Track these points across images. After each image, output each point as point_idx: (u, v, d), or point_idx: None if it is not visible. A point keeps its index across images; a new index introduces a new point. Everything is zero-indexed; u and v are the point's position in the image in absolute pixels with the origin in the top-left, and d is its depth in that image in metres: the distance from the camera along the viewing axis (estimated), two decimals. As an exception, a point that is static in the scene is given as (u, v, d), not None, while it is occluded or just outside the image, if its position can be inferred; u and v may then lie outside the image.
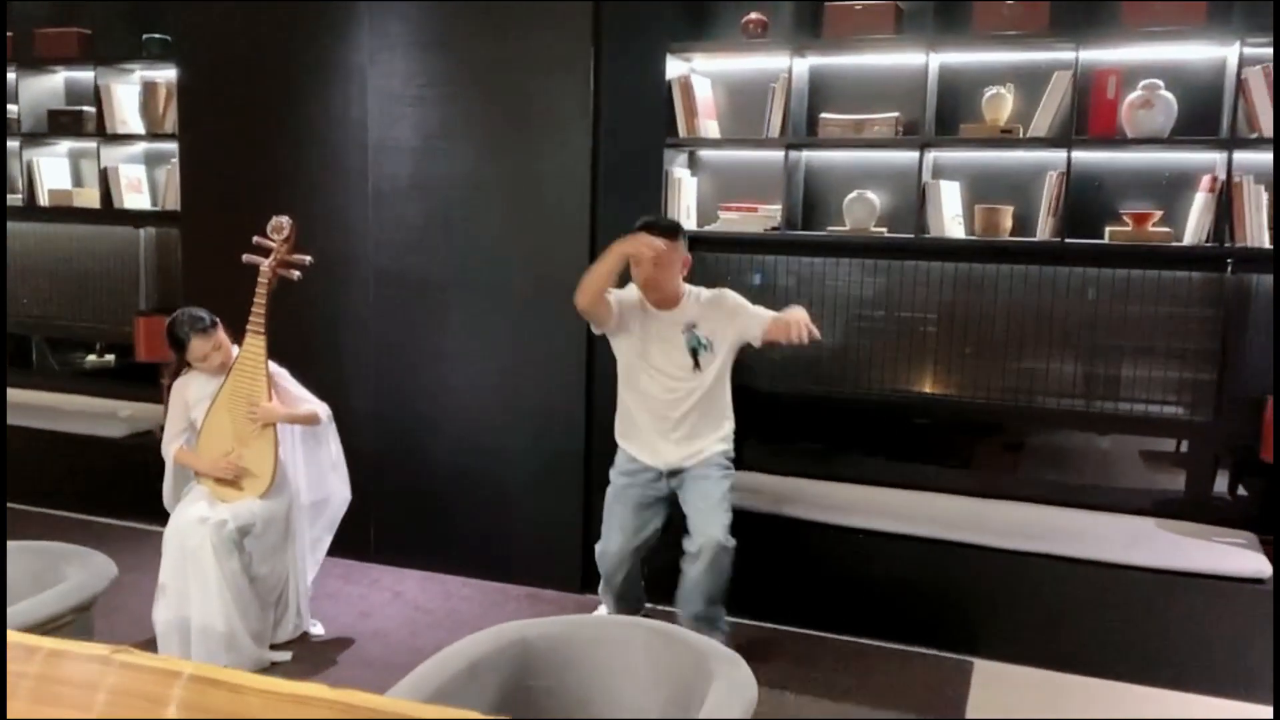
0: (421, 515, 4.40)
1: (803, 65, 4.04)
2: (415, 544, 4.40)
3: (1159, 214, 3.69)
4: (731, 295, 3.52)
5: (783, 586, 3.90)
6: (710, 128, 4.16)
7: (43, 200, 5.31)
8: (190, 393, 3.58)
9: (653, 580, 3.72)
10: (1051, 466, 4.16)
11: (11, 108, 5.23)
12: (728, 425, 3.56)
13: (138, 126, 5.11)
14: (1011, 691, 3.46)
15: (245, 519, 3.40)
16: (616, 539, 3.50)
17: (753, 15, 4.01)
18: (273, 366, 3.53)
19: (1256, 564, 3.45)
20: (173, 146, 5.03)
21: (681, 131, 4.11)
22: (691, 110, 4.09)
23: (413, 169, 4.25)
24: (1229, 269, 3.65)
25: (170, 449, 3.60)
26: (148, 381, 5.45)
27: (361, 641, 3.74)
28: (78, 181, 5.51)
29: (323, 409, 3.60)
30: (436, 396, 4.33)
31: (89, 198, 5.23)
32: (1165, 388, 3.81)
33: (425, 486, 4.38)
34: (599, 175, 4.02)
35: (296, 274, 3.54)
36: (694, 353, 3.45)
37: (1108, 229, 3.76)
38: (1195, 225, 3.56)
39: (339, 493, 3.73)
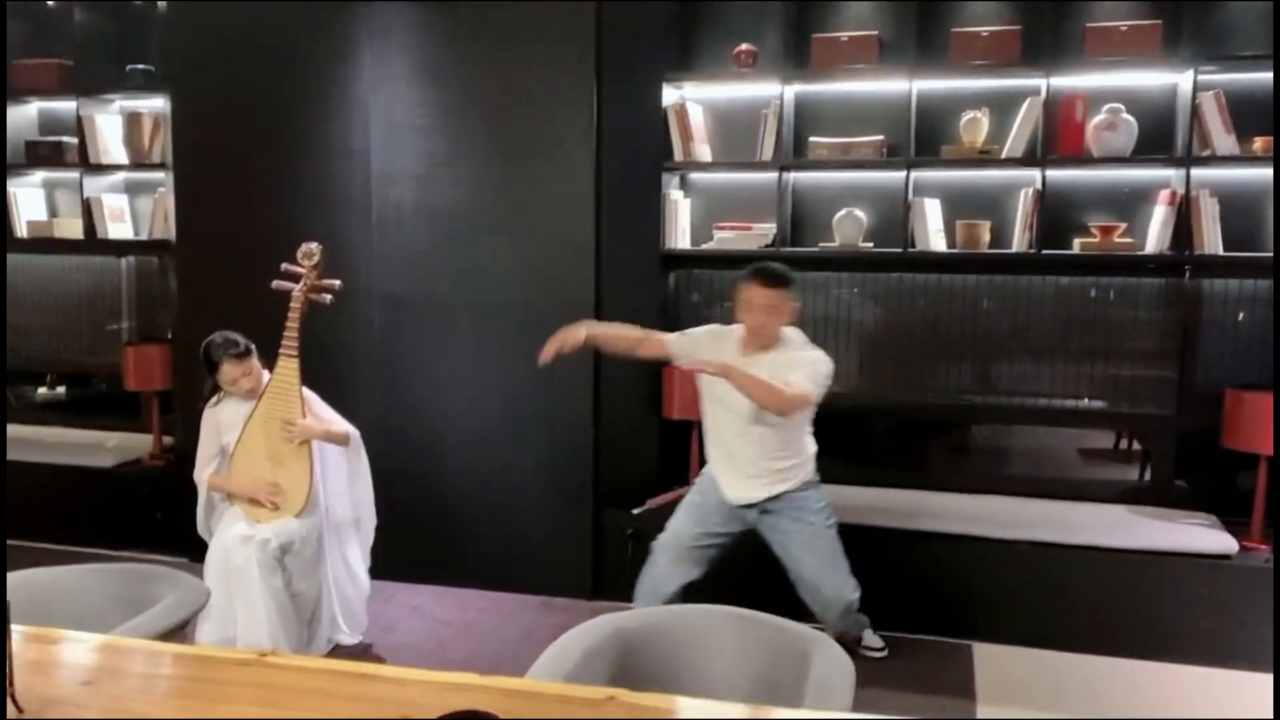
0: (432, 532, 4.51)
1: (790, 92, 4.30)
2: (426, 560, 4.50)
3: (1123, 226, 4.03)
4: (813, 356, 3.41)
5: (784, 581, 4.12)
6: (703, 152, 4.39)
7: (20, 232, 5.28)
8: (223, 418, 3.66)
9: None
10: (1028, 462, 4.49)
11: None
12: (806, 454, 3.56)
13: (120, 157, 5.13)
14: (1014, 670, 3.73)
15: (285, 537, 3.48)
16: (674, 536, 3.60)
17: (744, 46, 4.27)
18: (306, 393, 3.62)
19: (1223, 542, 3.79)
20: (156, 176, 5.08)
21: (677, 156, 4.34)
22: (687, 135, 4.32)
23: (416, 196, 4.38)
24: (1187, 275, 4.00)
25: (203, 475, 3.67)
26: (128, 411, 5.47)
27: (391, 654, 3.84)
28: (53, 212, 5.48)
29: (353, 431, 3.71)
30: (443, 417, 4.46)
31: (69, 228, 5.23)
32: (1132, 385, 4.15)
33: (434, 504, 4.49)
34: (602, 198, 4.22)
35: (329, 298, 3.65)
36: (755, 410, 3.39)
37: (1076, 240, 4.09)
38: (1157, 235, 3.91)
39: (369, 512, 3.83)
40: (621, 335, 3.62)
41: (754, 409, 3.36)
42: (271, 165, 4.53)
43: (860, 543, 4.04)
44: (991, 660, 3.82)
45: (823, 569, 3.50)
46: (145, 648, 2.10)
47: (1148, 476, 4.27)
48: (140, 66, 5.02)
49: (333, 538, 3.76)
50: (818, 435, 4.67)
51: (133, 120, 5.06)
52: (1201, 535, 3.86)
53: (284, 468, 3.57)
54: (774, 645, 2.27)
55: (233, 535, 3.43)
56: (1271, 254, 3.90)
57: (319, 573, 3.68)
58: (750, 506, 3.54)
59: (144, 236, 5.23)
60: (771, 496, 3.51)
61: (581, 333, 3.52)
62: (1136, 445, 4.34)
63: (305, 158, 4.49)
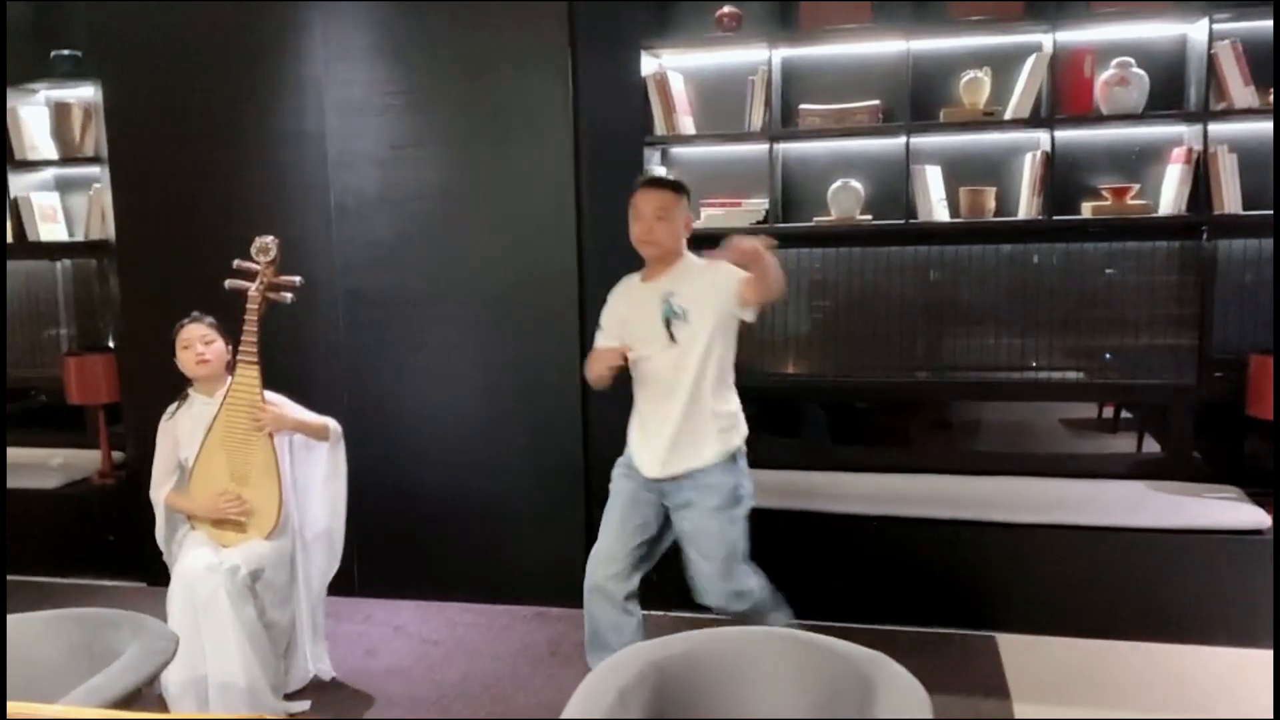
0: (410, 543, 4.20)
1: (777, 57, 4.01)
2: (405, 574, 4.20)
3: (1136, 187, 3.81)
4: (727, 265, 2.88)
5: (794, 580, 3.87)
6: (686, 124, 4.10)
7: (-60, 236, 4.85)
8: (181, 430, 3.31)
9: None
10: (1043, 439, 4.27)
11: None
12: (727, 418, 3.04)
13: (49, 151, 4.72)
14: (1044, 663, 3.52)
15: (256, 562, 3.16)
16: (605, 548, 3.13)
17: (726, 9, 3.97)
18: (271, 395, 3.29)
19: (1254, 516, 3.60)
20: (90, 171, 4.69)
21: (660, 129, 4.04)
22: (669, 107, 4.02)
23: (380, 181, 4.05)
24: (1204, 236, 3.79)
25: (159, 493, 3.32)
26: (71, 425, 5.08)
27: (377, 681, 3.53)
28: (-27, 214, 5.06)
29: (333, 424, 3.38)
30: (419, 418, 4.14)
31: (-9, 231, 4.81)
32: (1150, 354, 3.94)
33: (412, 512, 4.18)
34: (582, 177, 3.92)
35: (289, 296, 3.31)
36: (666, 323, 2.97)
37: (1085, 205, 3.87)
38: (1174, 196, 3.69)
39: (339, 529, 3.49)
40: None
41: (665, 341, 2.96)
42: (217, 153, 4.17)
43: (872, 533, 3.83)
44: (1019, 652, 3.61)
45: (705, 564, 3.01)
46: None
47: (1166, 450, 4.06)
48: (66, 52, 4.60)
49: (306, 555, 3.44)
50: (816, 417, 4.50)
51: (61, 111, 4.66)
52: (1230, 510, 3.66)
53: (250, 485, 3.24)
54: (830, 671, 2.01)
55: (197, 564, 3.09)
56: (1292, 211, 3.71)
57: (293, 599, 3.37)
58: (663, 486, 3.05)
59: (80, 237, 4.82)
60: (682, 463, 3.00)
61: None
62: (1154, 416, 4.11)
63: (254, 143, 4.13)
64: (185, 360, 3.29)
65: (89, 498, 4.60)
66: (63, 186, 4.93)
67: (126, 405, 4.58)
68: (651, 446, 3.06)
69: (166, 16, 4.14)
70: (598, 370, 3.08)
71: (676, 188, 3.06)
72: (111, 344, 4.73)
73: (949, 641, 3.71)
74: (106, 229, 4.51)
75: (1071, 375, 4.04)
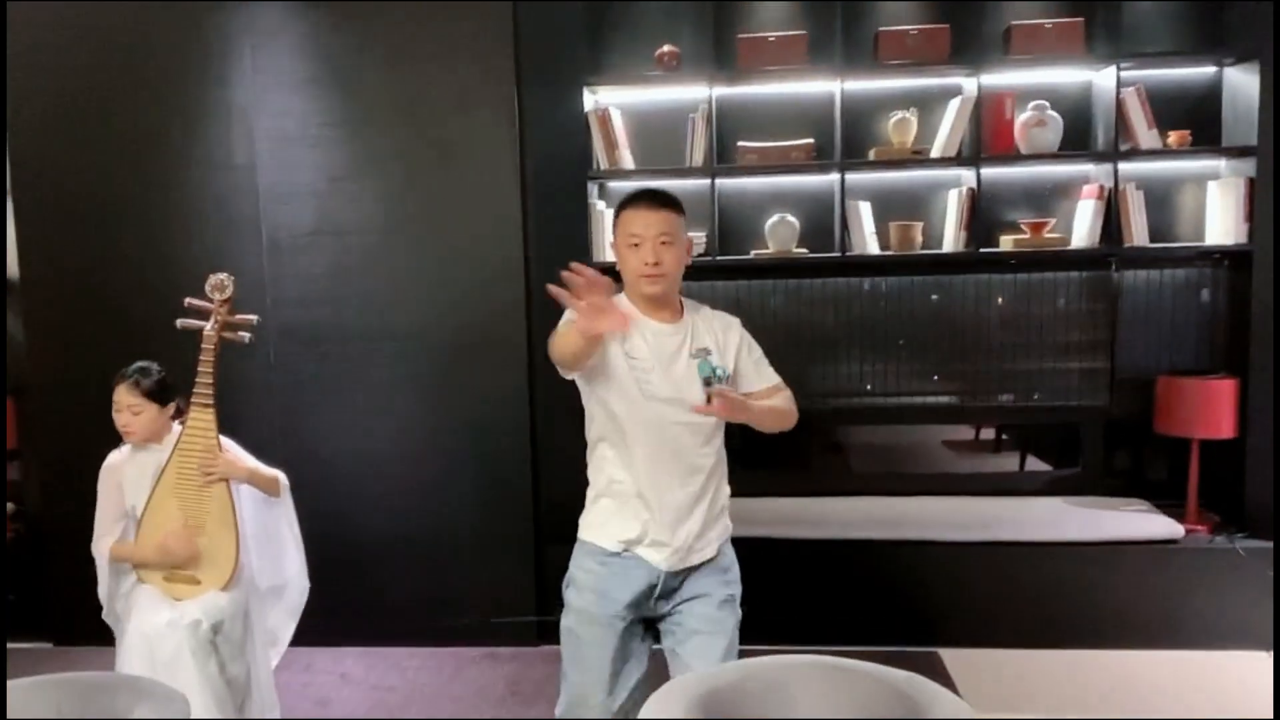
0: (349, 588, 4.05)
1: (714, 95, 4.11)
2: (345, 619, 4.05)
3: (1052, 221, 4.07)
4: (738, 325, 2.56)
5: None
6: (626, 159, 4.15)
7: None
8: (126, 475, 3.12)
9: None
10: (965, 459, 4.48)
11: None
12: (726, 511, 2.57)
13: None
14: (988, 673, 3.69)
15: (216, 615, 3.00)
16: (594, 693, 2.42)
17: (666, 48, 4.05)
18: (225, 441, 3.15)
19: (1168, 527, 3.88)
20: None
21: (602, 164, 4.08)
22: (611, 143, 4.07)
23: (315, 215, 3.94)
24: (1113, 267, 4.08)
25: (102, 545, 3.11)
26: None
27: (335, 733, 3.41)
28: None
29: (282, 476, 3.25)
30: (357, 459, 4.03)
31: None
32: (1066, 377, 4.20)
33: (350, 556, 4.05)
34: (528, 211, 3.91)
35: (247, 336, 3.18)
36: (707, 383, 2.38)
37: (1004, 238, 4.10)
38: (1088, 230, 3.96)
39: (298, 578, 3.35)
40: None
41: (698, 420, 2.38)
42: (135, 186, 3.98)
43: (801, 556, 3.93)
44: (963, 665, 3.76)
45: None
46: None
47: (1079, 467, 4.32)
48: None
49: (259, 607, 3.29)
50: (751, 446, 4.57)
51: (-51, 139, 4.34)
52: (1146, 521, 3.93)
53: (205, 534, 3.08)
54: (871, 694, 2.06)
55: (154, 622, 2.92)
56: (1191, 244, 4.04)
57: (249, 652, 3.21)
58: (670, 587, 2.45)
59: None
60: (703, 548, 2.47)
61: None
62: (1067, 436, 4.38)
63: (176, 175, 3.96)
64: (115, 420, 3.10)
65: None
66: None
67: (27, 453, 4.29)
68: (667, 523, 2.41)
69: (75, 39, 3.93)
70: (574, 343, 2.27)
71: (679, 205, 2.45)
72: (7, 389, 4.41)
73: (895, 660, 3.81)
74: (6, 262, 4.23)
75: (989, 400, 4.25)
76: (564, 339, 2.33)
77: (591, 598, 2.46)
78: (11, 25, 3.95)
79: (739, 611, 2.52)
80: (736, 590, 2.54)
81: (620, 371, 2.39)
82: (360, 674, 3.84)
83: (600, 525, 2.49)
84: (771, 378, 2.57)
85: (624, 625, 2.44)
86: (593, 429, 2.51)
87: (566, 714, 2.49)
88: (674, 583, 2.46)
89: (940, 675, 3.68)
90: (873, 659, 3.65)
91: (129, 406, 3.07)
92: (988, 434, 4.55)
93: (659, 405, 2.38)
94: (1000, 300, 4.19)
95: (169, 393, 3.11)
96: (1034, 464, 4.47)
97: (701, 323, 2.50)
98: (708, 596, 2.46)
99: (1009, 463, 4.52)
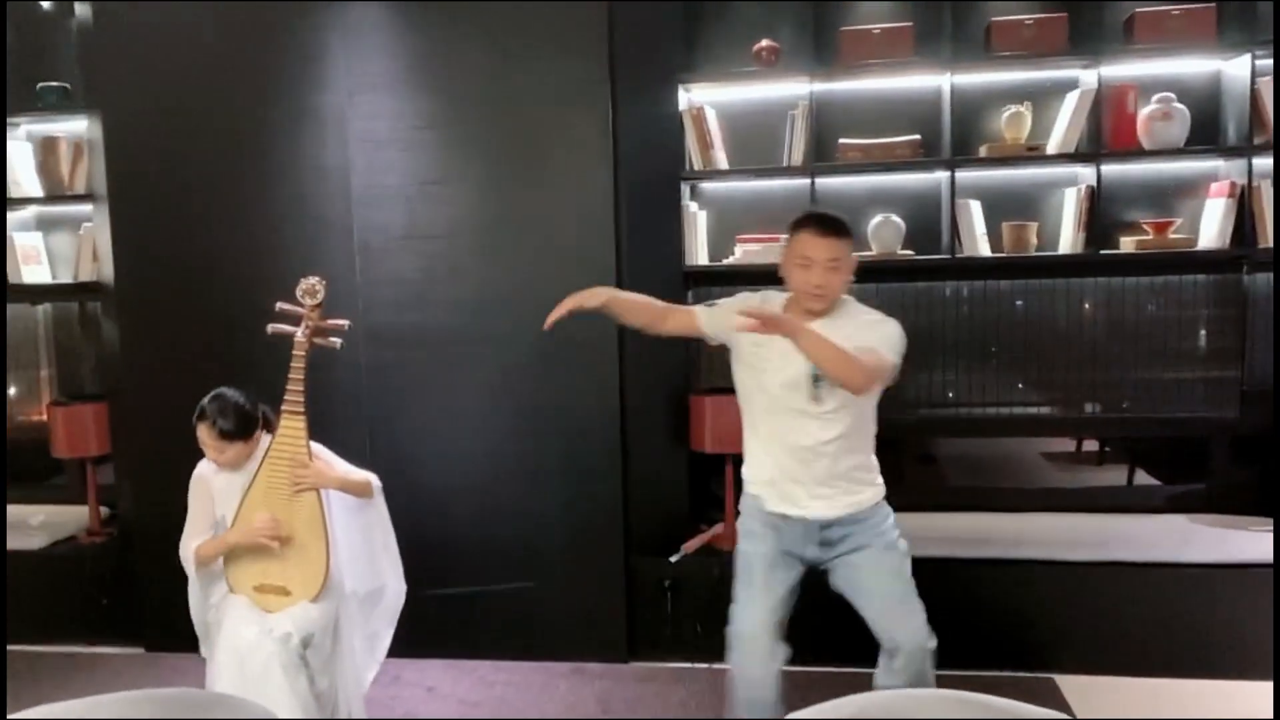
0: (436, 599, 3.97)
1: (813, 91, 3.95)
2: (430, 631, 3.96)
3: (1178, 221, 3.82)
4: (883, 319, 2.77)
5: (830, 623, 3.75)
6: (720, 159, 4.01)
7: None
8: (215, 485, 3.07)
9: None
10: (1068, 472, 4.24)
11: None
12: (875, 465, 2.87)
13: (33, 188, 4.43)
14: (1106, 702, 3.45)
15: (306, 628, 2.93)
16: (754, 610, 2.77)
17: (764, 43, 3.90)
18: (316, 447, 3.08)
19: (1305, 549, 3.60)
20: (79, 210, 4.42)
21: (696, 164, 3.95)
22: (705, 142, 3.93)
23: (406, 218, 3.87)
24: (1245, 270, 3.81)
25: (190, 549, 3.06)
26: (47, 480, 4.77)
27: (424, 749, 3.32)
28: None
29: (374, 479, 3.18)
30: (447, 465, 3.94)
31: (-30, 274, 4.49)
32: (1192, 387, 3.93)
33: (437, 564, 3.95)
34: (620, 213, 3.79)
35: (338, 341, 3.11)
36: (814, 380, 2.67)
37: (1124, 239, 3.86)
38: (1218, 230, 3.70)
39: (394, 581, 3.29)
40: (643, 305, 2.94)
41: (808, 398, 2.69)
42: (228, 190, 3.94)
43: (922, 577, 3.72)
44: (1082, 693, 3.53)
45: (894, 600, 2.79)
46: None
47: (1205, 483, 4.05)
48: (54, 84, 4.35)
49: (352, 617, 3.22)
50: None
51: (46, 146, 4.38)
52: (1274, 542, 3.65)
53: (295, 543, 3.02)
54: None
55: (244, 635, 2.86)
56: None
57: (336, 665, 3.13)
58: (822, 529, 2.78)
59: (66, 279, 4.53)
60: (846, 516, 2.77)
61: (600, 297, 2.89)
62: (1195, 450, 4.10)
63: (269, 179, 3.92)
64: (212, 458, 3.06)
65: (78, 557, 4.29)
66: (46, 226, 4.63)
67: (119, 458, 4.30)
68: (798, 491, 2.78)
69: (170, 46, 3.92)
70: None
71: (850, 232, 2.74)
72: (101, 392, 4.43)
73: (1009, 684, 3.61)
74: (99, 270, 4.25)
75: (1123, 410, 4.00)
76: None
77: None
78: (104, 39, 3.96)
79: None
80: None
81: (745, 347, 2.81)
82: (447, 688, 3.75)
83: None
84: (879, 351, 2.65)
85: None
86: None
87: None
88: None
89: (1058, 703, 3.46)
90: (982, 684, 3.43)
91: (212, 446, 3.02)
92: (1090, 446, 4.30)
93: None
94: (1121, 306, 3.94)
95: (251, 425, 3.03)
96: (1144, 478, 4.20)
97: (848, 321, 2.72)
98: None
99: (1116, 477, 4.25)
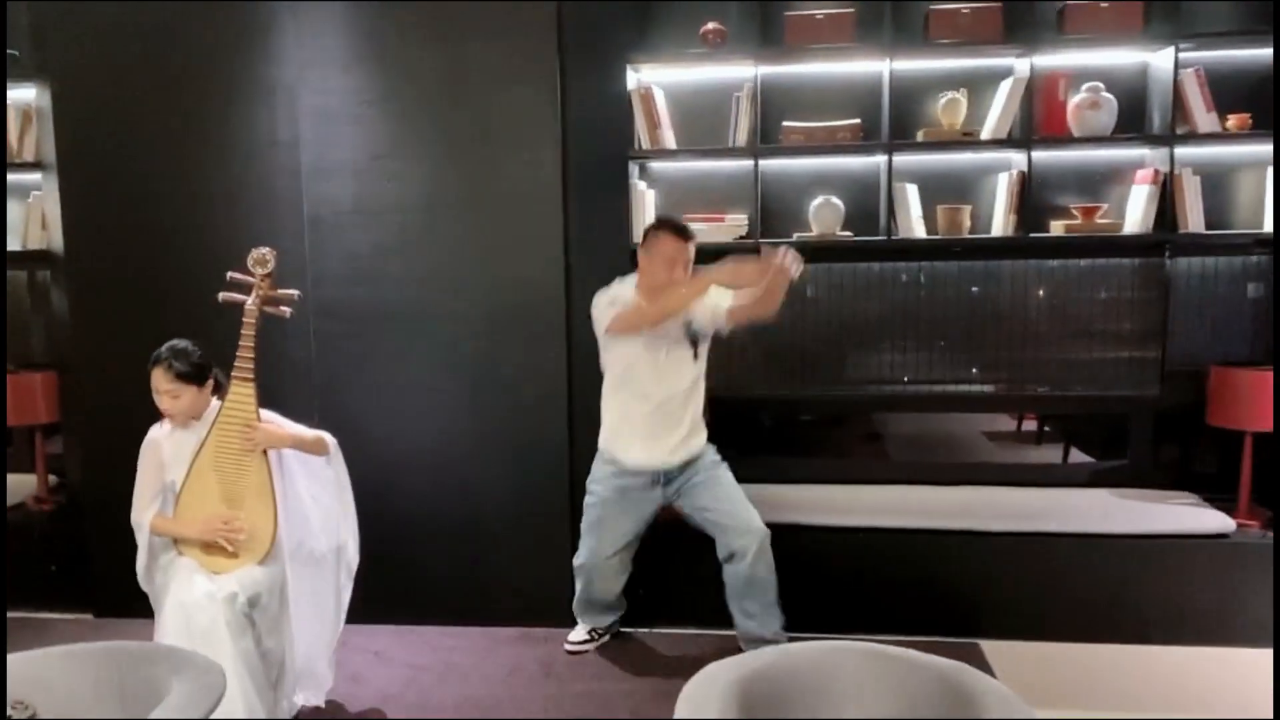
0: (384, 566, 4.04)
1: (759, 74, 4.05)
2: (378, 598, 4.03)
3: (1105, 206, 3.97)
4: (716, 287, 3.50)
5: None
6: (668, 139, 4.10)
7: None
8: (165, 450, 3.13)
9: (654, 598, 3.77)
10: (1006, 450, 4.40)
11: None
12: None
13: (-19, 156, 4.42)
14: (1030, 667, 3.62)
15: (252, 589, 3.01)
16: (605, 546, 3.67)
17: (711, 25, 3.99)
18: (265, 413, 3.15)
19: (1219, 521, 3.78)
20: (31, 178, 4.41)
21: (644, 143, 4.03)
22: (653, 122, 4.02)
23: (356, 192, 3.92)
24: (1167, 254, 3.98)
25: (143, 517, 3.12)
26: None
27: (369, 708, 3.40)
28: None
29: (329, 437, 3.25)
30: (396, 437, 4.02)
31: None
32: (1115, 366, 4.10)
33: (386, 534, 4.01)
34: (569, 190, 3.87)
35: (288, 311, 3.18)
36: (694, 342, 3.53)
37: (1054, 223, 4.01)
38: (1142, 215, 3.86)
39: (352, 541, 3.38)
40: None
41: (692, 359, 3.55)
42: (178, 160, 3.98)
43: (839, 544, 3.88)
44: (1004, 657, 3.69)
45: (738, 503, 3.57)
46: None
47: (1127, 459, 4.23)
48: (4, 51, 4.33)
49: (305, 578, 3.29)
50: (790, 430, 4.54)
51: (-6, 113, 4.37)
52: (1196, 515, 3.83)
53: (244, 508, 3.09)
54: (923, 687, 2.01)
55: (192, 593, 2.93)
56: (1248, 231, 3.92)
57: (284, 626, 3.21)
58: (672, 479, 3.61)
59: (15, 247, 4.52)
60: (692, 453, 3.61)
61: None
62: (1116, 427, 4.28)
63: (219, 151, 3.96)
64: (157, 401, 3.11)
65: (26, 525, 4.32)
66: (-10, 193, 4.62)
67: (68, 426, 4.33)
68: (661, 446, 3.58)
69: (122, 17, 3.93)
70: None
71: (692, 236, 3.53)
72: (49, 361, 4.45)
73: (935, 650, 3.74)
74: (48, 239, 4.26)
75: (1047, 388, 4.17)
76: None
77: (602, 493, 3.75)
78: (56, 7, 3.96)
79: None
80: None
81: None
82: (394, 651, 3.84)
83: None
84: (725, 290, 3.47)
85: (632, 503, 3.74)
86: None
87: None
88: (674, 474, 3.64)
89: (981, 667, 3.61)
90: (913, 649, 3.62)
91: (166, 391, 3.07)
92: (1029, 425, 4.47)
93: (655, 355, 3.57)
94: (1049, 287, 4.10)
95: (205, 372, 3.11)
96: (1078, 456, 4.38)
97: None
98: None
99: (1052, 454, 4.43)
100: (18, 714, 1.94)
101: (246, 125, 3.94)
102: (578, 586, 3.81)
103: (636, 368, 3.54)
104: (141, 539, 3.15)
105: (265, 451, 3.12)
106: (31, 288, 4.66)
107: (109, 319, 4.07)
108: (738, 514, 3.55)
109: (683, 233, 3.50)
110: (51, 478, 4.50)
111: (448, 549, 4.06)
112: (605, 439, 3.68)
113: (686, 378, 3.56)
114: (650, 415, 3.56)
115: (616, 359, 3.59)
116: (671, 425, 3.57)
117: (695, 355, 3.56)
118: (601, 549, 3.68)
